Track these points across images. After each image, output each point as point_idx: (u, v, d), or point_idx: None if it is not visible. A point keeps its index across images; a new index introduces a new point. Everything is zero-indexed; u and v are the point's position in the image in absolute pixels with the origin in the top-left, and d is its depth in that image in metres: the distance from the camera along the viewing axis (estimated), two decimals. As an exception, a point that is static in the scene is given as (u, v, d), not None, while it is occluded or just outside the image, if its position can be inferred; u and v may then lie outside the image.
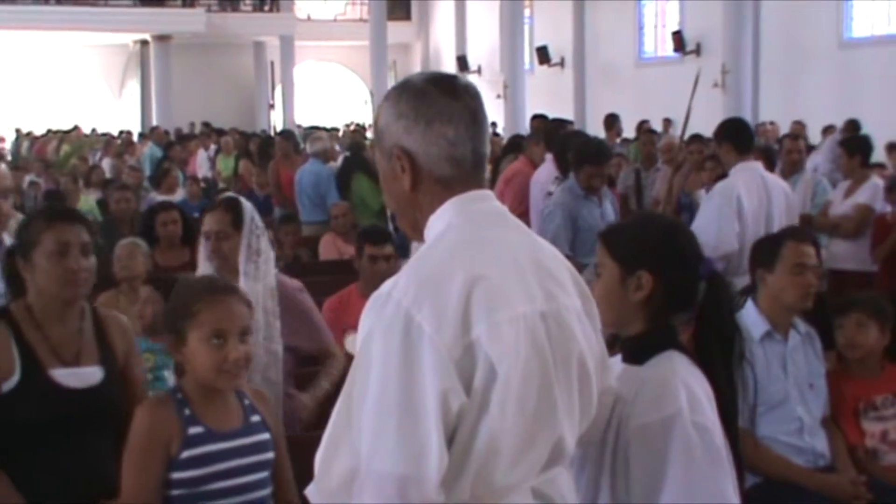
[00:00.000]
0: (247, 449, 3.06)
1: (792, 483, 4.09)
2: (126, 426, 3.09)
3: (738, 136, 6.51)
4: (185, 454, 2.97)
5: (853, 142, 8.34)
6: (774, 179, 6.68)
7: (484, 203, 2.25)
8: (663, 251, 2.65)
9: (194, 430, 3.00)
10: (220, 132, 20.99)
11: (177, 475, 2.96)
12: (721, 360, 2.65)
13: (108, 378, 3.40)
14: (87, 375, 3.36)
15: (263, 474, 3.10)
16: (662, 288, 2.61)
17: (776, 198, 6.43)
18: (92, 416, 3.33)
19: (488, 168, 8.14)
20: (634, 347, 2.51)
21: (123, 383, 3.47)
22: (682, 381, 2.51)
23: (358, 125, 24.69)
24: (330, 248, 8.78)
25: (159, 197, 11.00)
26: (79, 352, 3.38)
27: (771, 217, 6.33)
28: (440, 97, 2.19)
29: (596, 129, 16.72)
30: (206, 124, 23.66)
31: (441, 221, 2.20)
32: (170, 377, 4.42)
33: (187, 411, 3.02)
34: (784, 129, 15.53)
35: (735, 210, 6.19)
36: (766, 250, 4.39)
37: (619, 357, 2.66)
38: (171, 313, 3.11)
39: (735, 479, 2.53)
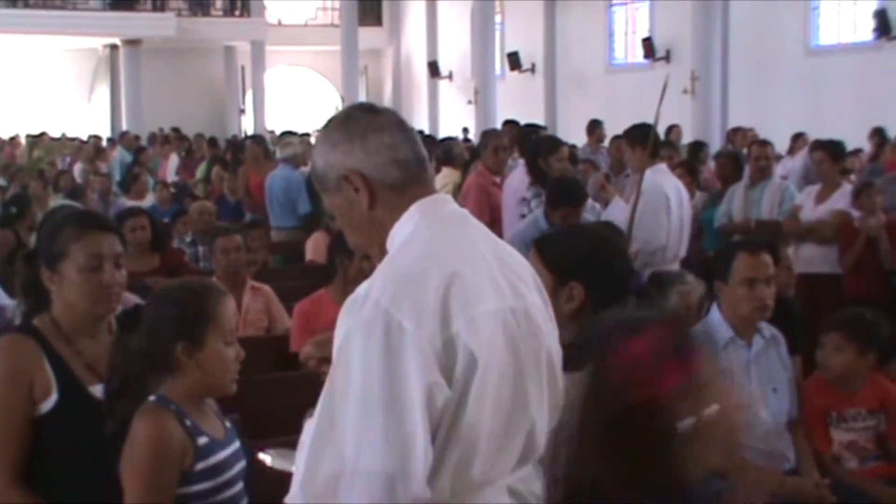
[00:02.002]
0: (235, 456, 2.95)
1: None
2: None
3: (651, 141, 6.76)
4: (200, 466, 2.84)
5: (837, 147, 8.41)
6: (680, 183, 7.18)
7: (446, 206, 2.32)
8: (596, 263, 2.71)
9: (201, 440, 2.86)
10: (184, 138, 20.84)
11: (193, 488, 2.83)
12: None
13: None
14: None
15: (242, 483, 2.99)
16: (593, 300, 2.66)
17: (684, 200, 6.90)
18: None
19: (458, 174, 8.12)
20: (572, 355, 2.51)
21: None
22: None
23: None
24: (320, 246, 8.30)
25: (129, 202, 10.94)
26: None
27: (683, 218, 6.79)
28: (364, 115, 2.29)
29: (566, 135, 16.77)
30: (175, 129, 23.53)
31: (408, 225, 2.24)
32: None
33: (188, 422, 2.86)
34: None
35: (664, 208, 6.61)
36: (721, 261, 4.39)
37: None
38: (183, 318, 2.90)
39: None
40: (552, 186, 6.95)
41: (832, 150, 8.25)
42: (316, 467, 2.04)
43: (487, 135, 9.12)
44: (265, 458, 2.81)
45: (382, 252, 2.28)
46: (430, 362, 2.02)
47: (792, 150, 14.25)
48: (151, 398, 2.90)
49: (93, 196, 11.19)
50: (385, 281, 2.10)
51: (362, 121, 2.27)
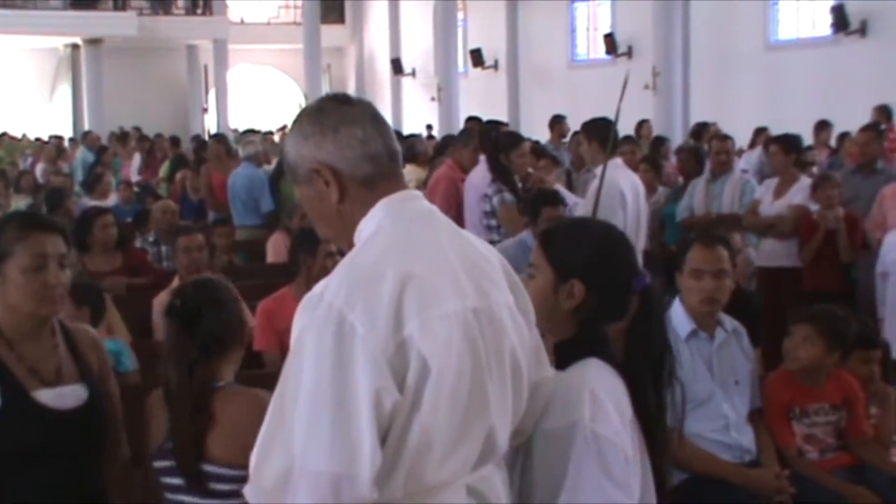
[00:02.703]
0: None
1: (718, 478, 4.13)
2: (109, 447, 3.08)
3: (607, 136, 6.64)
4: None
5: (790, 140, 8.46)
6: (636, 178, 7.24)
7: (413, 202, 2.29)
8: (598, 262, 2.63)
9: None
10: (145, 137, 20.72)
11: None
12: (649, 376, 2.62)
13: (93, 395, 3.10)
14: (73, 394, 3.05)
15: None
16: (593, 298, 2.60)
17: (641, 194, 6.91)
18: (82, 437, 3.03)
19: (421, 170, 8.11)
20: (559, 353, 2.51)
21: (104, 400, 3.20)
22: (590, 388, 2.46)
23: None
24: (280, 247, 8.38)
25: (92, 202, 10.89)
26: (58, 370, 3.06)
27: (639, 212, 6.77)
28: (337, 107, 2.26)
29: (529, 131, 16.81)
30: (135, 128, 23.37)
31: (372, 222, 2.23)
32: None
33: None
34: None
35: (620, 203, 6.60)
36: (681, 252, 4.42)
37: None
38: (230, 325, 3.36)
39: (648, 493, 2.53)
40: (529, 201, 6.85)
41: (785, 143, 8.31)
42: (266, 462, 2.06)
43: (472, 133, 8.92)
44: None
45: (351, 246, 2.27)
46: (381, 366, 2.02)
47: (753, 145, 14.35)
48: (221, 383, 3.30)
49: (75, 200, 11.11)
50: (341, 280, 2.10)
51: (335, 113, 2.25)
